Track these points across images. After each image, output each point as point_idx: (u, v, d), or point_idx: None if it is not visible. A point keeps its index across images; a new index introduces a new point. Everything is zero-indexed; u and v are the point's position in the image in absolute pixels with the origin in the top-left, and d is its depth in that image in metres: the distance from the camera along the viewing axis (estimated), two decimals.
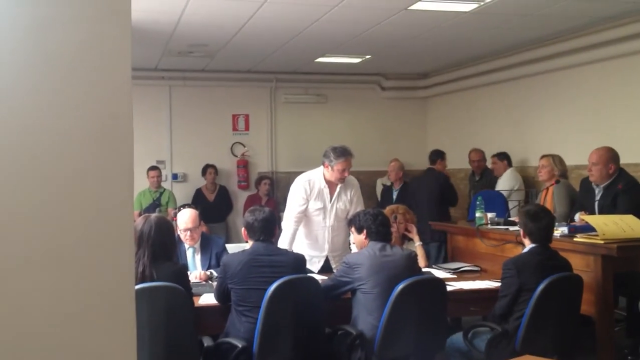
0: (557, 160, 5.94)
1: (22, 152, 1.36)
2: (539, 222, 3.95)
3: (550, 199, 5.72)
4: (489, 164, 8.08)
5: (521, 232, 4.04)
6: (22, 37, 1.37)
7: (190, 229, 4.69)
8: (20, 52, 1.37)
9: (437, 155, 8.00)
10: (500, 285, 3.96)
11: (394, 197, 8.29)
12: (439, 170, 7.90)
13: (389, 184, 8.87)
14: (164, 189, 8.61)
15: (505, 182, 7.41)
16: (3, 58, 1.35)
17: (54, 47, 1.39)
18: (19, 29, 1.37)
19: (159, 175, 8.55)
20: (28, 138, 1.37)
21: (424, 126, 10.42)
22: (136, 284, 3.29)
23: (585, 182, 5.23)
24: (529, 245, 3.99)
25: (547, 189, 5.80)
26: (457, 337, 4.12)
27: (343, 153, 4.76)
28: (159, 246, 3.62)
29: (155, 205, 8.24)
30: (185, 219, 4.72)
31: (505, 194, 7.13)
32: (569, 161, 6.29)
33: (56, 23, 1.39)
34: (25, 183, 1.36)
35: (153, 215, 3.81)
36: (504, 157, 7.64)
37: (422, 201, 7.56)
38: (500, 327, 3.83)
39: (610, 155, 4.98)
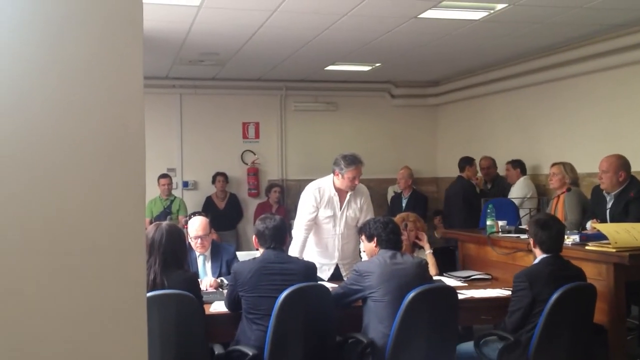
0: (568, 168, 5.92)
1: (33, 160, 1.37)
2: (550, 230, 3.93)
3: (561, 207, 5.69)
4: (500, 171, 8.09)
5: (532, 242, 4.01)
6: (33, 47, 1.38)
7: (201, 237, 4.70)
8: (32, 62, 1.38)
9: (465, 162, 8.16)
10: (512, 299, 3.91)
11: (404, 204, 8.29)
12: (468, 177, 8.07)
13: (400, 191, 8.89)
14: (175, 197, 8.64)
15: (518, 190, 7.40)
16: (15, 68, 1.36)
17: (66, 56, 1.40)
18: (30, 40, 1.38)
19: (170, 183, 8.58)
20: (40, 146, 1.38)
21: (434, 134, 10.42)
22: (147, 291, 3.30)
23: (597, 190, 5.20)
24: (540, 255, 3.96)
25: (558, 196, 5.78)
26: (468, 346, 4.10)
27: (353, 161, 4.76)
28: (170, 254, 3.63)
29: (166, 213, 8.26)
30: (196, 227, 4.73)
31: (517, 202, 7.12)
32: (580, 169, 6.27)
33: (68, 32, 1.40)
34: (36, 191, 1.37)
35: (164, 223, 3.81)
36: (517, 165, 7.62)
37: (452, 209, 7.99)
38: (513, 336, 3.80)
39: (621, 163, 4.95)
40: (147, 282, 3.39)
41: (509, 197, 7.37)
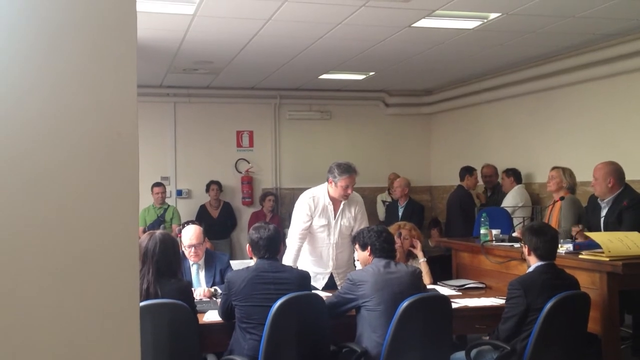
0: (567, 173, 5.90)
1: (26, 168, 1.36)
2: (544, 236, 3.93)
3: (556, 213, 5.69)
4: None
5: (526, 250, 4.00)
6: (26, 55, 1.38)
7: (194, 245, 4.68)
8: (24, 69, 1.37)
9: (465, 171, 8.28)
10: (506, 306, 3.90)
11: (400, 213, 8.30)
12: (468, 186, 8.21)
13: (389, 200, 8.94)
14: (168, 206, 8.62)
15: (510, 199, 7.45)
16: (7, 75, 1.36)
17: (59, 64, 1.39)
18: (23, 48, 1.37)
19: (164, 192, 8.56)
20: (32, 154, 1.37)
21: (427, 143, 10.44)
22: (140, 301, 3.28)
23: (592, 199, 5.22)
24: (534, 263, 3.95)
25: (553, 204, 5.78)
26: (461, 355, 4.08)
27: (347, 170, 4.74)
28: (164, 263, 3.61)
29: (159, 221, 8.23)
30: (189, 235, 4.72)
31: (509, 210, 7.14)
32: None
33: (61, 40, 1.40)
34: (28, 199, 1.36)
35: (158, 232, 3.80)
36: (511, 174, 7.66)
37: (449, 217, 8.24)
38: (509, 345, 3.78)
39: (609, 170, 4.97)
40: (140, 291, 3.38)
41: (502, 205, 7.40)
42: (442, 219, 9.00)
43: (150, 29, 5.82)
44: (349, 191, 4.77)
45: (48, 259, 1.37)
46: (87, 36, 1.42)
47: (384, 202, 9.18)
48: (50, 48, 1.39)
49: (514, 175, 7.63)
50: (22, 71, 1.37)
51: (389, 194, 9.27)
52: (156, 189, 8.46)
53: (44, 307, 1.37)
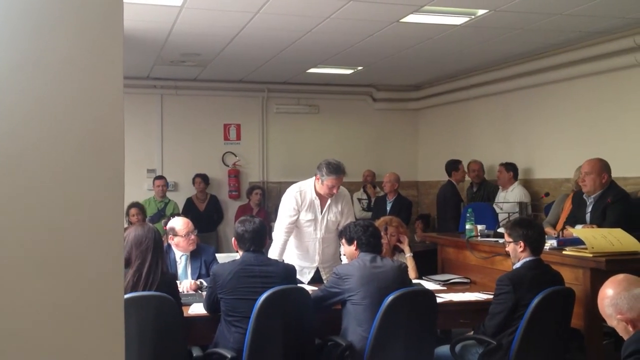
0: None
1: (10, 159, 1.36)
2: (538, 228, 3.95)
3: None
4: (487, 175, 8.15)
5: (520, 245, 3.97)
6: (12, 44, 1.36)
7: (191, 232, 4.71)
8: (10, 59, 1.36)
9: (451, 166, 8.36)
10: (494, 302, 3.90)
11: (388, 208, 8.31)
12: (457, 180, 8.30)
13: (364, 197, 8.95)
14: (169, 200, 8.54)
15: (516, 196, 7.25)
16: None
17: (45, 54, 1.39)
18: (9, 37, 1.36)
19: (165, 185, 8.52)
20: (17, 146, 1.36)
21: (415, 138, 10.46)
22: (125, 293, 3.28)
23: (578, 195, 5.24)
24: (523, 258, 3.96)
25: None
26: (446, 349, 4.10)
27: (335, 171, 4.70)
28: (149, 256, 3.60)
29: (160, 214, 8.18)
30: (184, 223, 4.74)
31: (510, 206, 6.97)
32: (559, 175, 6.30)
33: (47, 31, 1.39)
34: (13, 191, 1.35)
35: (144, 225, 3.79)
36: (510, 168, 7.47)
37: (439, 212, 8.39)
38: (495, 340, 3.79)
39: (603, 165, 5.00)
40: (125, 283, 3.38)
41: (503, 201, 7.29)
42: (430, 214, 9.06)
43: (138, 20, 5.79)
44: (335, 191, 4.77)
45: (32, 251, 1.36)
46: (74, 27, 1.41)
47: (360, 200, 9.12)
48: (36, 38, 1.38)
49: (514, 170, 7.46)
50: (6, 62, 1.36)
51: (365, 191, 9.24)
52: (157, 182, 8.43)
53: (28, 299, 1.36)
